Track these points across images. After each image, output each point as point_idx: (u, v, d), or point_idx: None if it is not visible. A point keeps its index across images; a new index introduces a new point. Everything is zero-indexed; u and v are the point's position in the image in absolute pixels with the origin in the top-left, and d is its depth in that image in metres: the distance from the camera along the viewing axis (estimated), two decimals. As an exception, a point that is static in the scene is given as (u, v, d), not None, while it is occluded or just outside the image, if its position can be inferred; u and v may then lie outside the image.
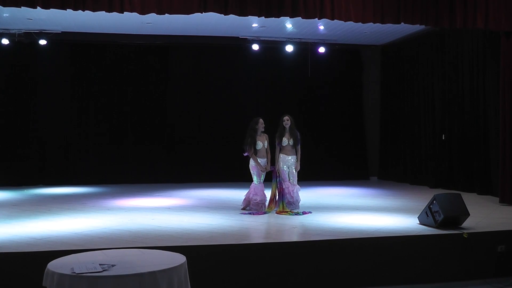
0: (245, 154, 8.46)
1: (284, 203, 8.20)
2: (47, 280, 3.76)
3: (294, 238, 6.74)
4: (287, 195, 8.26)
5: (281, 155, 8.39)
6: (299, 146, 8.47)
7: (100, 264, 3.74)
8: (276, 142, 8.40)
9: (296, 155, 8.45)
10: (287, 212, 8.06)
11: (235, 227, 7.02)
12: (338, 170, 13.56)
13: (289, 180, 8.39)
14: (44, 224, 7.08)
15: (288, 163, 8.39)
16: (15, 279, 5.31)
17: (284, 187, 8.31)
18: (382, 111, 14.11)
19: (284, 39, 12.64)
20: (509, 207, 8.67)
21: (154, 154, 12.90)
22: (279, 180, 8.32)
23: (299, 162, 8.46)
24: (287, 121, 8.40)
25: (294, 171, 8.42)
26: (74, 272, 3.61)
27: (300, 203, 8.40)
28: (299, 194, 8.42)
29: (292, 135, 8.40)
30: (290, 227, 7.01)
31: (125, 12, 7.51)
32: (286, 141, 8.37)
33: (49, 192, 10.95)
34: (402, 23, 8.60)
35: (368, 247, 6.12)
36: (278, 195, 8.29)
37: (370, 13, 8.19)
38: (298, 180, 8.55)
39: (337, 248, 6.05)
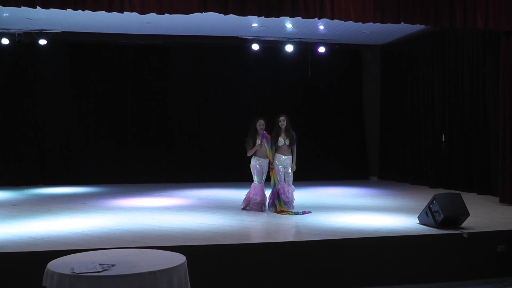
0: (265, 134, 8.37)
1: (281, 202, 8.20)
2: (47, 280, 3.77)
3: (294, 238, 6.74)
4: (282, 195, 8.26)
5: (277, 155, 8.37)
6: (295, 147, 8.46)
7: (100, 264, 3.75)
8: (272, 142, 8.39)
9: (292, 155, 8.44)
10: (287, 212, 8.06)
11: (235, 227, 7.02)
12: (338, 170, 13.56)
13: (284, 180, 8.37)
14: (44, 224, 7.08)
15: (284, 163, 8.37)
16: (15, 279, 5.31)
17: (279, 187, 8.30)
18: (382, 111, 14.10)
19: (284, 39, 12.64)
20: (509, 207, 8.68)
21: (154, 154, 12.90)
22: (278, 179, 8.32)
23: (294, 163, 8.44)
24: (283, 121, 8.38)
25: (289, 171, 8.40)
26: (74, 272, 3.61)
27: (294, 203, 8.38)
28: (294, 195, 8.40)
29: (288, 135, 8.39)
30: (290, 227, 7.01)
31: (125, 12, 7.51)
32: (282, 141, 8.36)
33: (49, 192, 10.95)
34: (402, 23, 8.61)
35: (368, 247, 6.13)
36: (273, 195, 8.28)
37: (370, 13, 8.19)
38: (298, 180, 8.52)
39: (337, 248, 6.05)
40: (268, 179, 8.45)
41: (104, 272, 3.64)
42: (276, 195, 8.26)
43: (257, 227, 7.28)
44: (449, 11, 8.47)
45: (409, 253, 6.20)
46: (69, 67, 12.67)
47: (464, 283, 6.24)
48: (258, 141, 8.37)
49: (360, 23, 8.51)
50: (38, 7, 7.33)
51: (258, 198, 8.33)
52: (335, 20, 8.42)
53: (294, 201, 8.38)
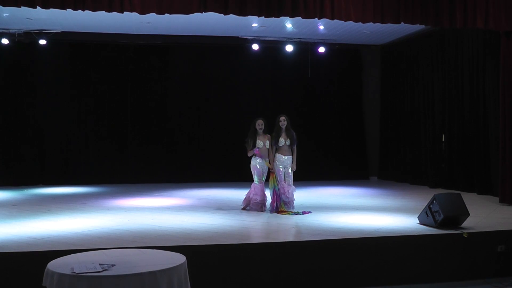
0: (256, 151, 8.37)
1: (281, 202, 8.19)
2: (47, 280, 3.77)
3: (294, 238, 6.73)
4: (282, 195, 8.25)
5: (277, 155, 8.36)
6: (295, 146, 8.45)
7: (100, 264, 3.74)
8: (273, 142, 8.39)
9: (292, 155, 8.43)
10: (287, 212, 8.06)
11: (235, 227, 7.02)
12: (338, 170, 13.56)
13: (284, 180, 8.37)
14: (44, 224, 7.08)
15: (284, 163, 8.36)
16: (15, 279, 5.31)
17: (279, 187, 8.29)
18: (382, 111, 14.11)
19: (284, 39, 12.64)
20: (509, 207, 8.67)
21: (154, 154, 12.90)
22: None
23: (295, 163, 8.44)
24: (283, 121, 8.37)
25: (290, 171, 8.40)
26: (74, 272, 3.61)
27: (295, 203, 8.38)
28: (294, 195, 8.39)
29: (288, 135, 8.38)
30: (290, 227, 7.01)
31: (125, 12, 7.51)
32: (282, 141, 8.35)
33: (49, 192, 10.95)
34: (402, 23, 8.60)
35: (368, 247, 6.12)
36: (277, 199, 8.26)
37: (370, 13, 8.19)
38: (298, 180, 8.51)
39: (337, 248, 6.05)
40: (268, 180, 8.45)
41: (104, 272, 3.63)
42: (278, 199, 8.24)
43: (257, 227, 7.27)
44: (449, 11, 8.47)
45: (409, 253, 6.20)
46: (69, 67, 12.68)
47: (464, 283, 6.23)
48: (258, 141, 8.37)
49: (360, 23, 8.51)
50: (38, 7, 7.33)
51: (258, 198, 8.33)
52: (335, 20, 8.42)
53: (294, 201, 8.38)
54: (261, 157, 8.32)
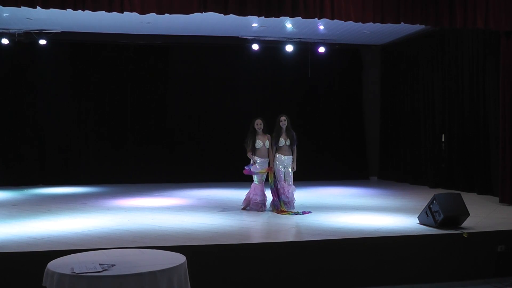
0: (246, 172, 8.42)
1: (281, 202, 8.20)
2: (47, 280, 3.77)
3: (294, 238, 6.73)
4: (282, 195, 8.26)
5: (278, 155, 8.37)
6: (295, 146, 8.46)
7: (100, 264, 3.74)
8: (273, 142, 8.39)
9: (292, 155, 8.44)
10: (287, 212, 8.06)
11: (235, 227, 7.02)
12: (338, 170, 13.56)
13: (284, 180, 8.37)
14: (44, 224, 7.08)
15: (284, 163, 8.36)
16: (15, 279, 5.31)
17: (279, 187, 8.30)
18: (382, 111, 14.11)
19: (284, 39, 12.64)
20: (509, 207, 8.68)
21: (154, 154, 12.90)
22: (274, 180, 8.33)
23: (295, 163, 8.44)
24: (284, 121, 8.38)
25: (290, 171, 8.40)
26: (74, 272, 3.61)
27: (295, 203, 8.38)
28: (294, 195, 8.39)
29: (288, 135, 8.38)
30: (289, 227, 7.01)
31: (125, 12, 7.51)
32: (283, 141, 8.35)
33: (49, 192, 10.95)
34: (402, 23, 8.61)
35: (368, 247, 6.12)
36: (275, 194, 8.27)
37: (370, 13, 8.19)
38: (298, 180, 8.51)
39: (337, 248, 6.05)
40: (267, 179, 8.45)
41: (104, 272, 3.64)
42: (277, 195, 8.24)
43: (257, 227, 7.28)
44: (449, 11, 8.47)
45: (409, 253, 6.20)
46: (69, 67, 12.67)
47: (464, 283, 6.23)
48: (258, 141, 8.37)
49: (360, 23, 8.51)
50: (38, 7, 7.33)
51: (258, 198, 8.33)
52: (335, 20, 8.41)
53: (294, 201, 8.38)
54: (251, 173, 8.35)
